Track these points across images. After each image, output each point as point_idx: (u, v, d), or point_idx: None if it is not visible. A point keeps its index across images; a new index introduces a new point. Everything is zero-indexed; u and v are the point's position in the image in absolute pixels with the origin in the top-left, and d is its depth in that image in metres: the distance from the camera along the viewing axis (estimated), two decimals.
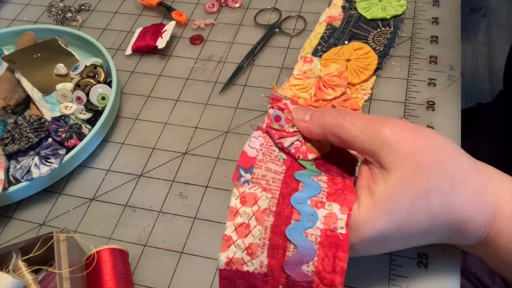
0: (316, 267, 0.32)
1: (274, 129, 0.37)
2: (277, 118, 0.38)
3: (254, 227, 0.33)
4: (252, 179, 0.35)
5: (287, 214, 0.33)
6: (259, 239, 0.33)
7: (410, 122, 0.35)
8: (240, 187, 0.34)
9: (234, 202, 0.34)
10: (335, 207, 0.33)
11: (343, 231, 0.32)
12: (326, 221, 0.32)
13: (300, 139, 0.38)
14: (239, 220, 0.33)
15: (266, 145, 0.37)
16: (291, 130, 0.38)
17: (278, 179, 0.35)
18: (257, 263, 0.33)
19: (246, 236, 0.33)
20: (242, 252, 0.33)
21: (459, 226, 0.33)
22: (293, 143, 0.37)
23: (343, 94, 0.51)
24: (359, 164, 0.39)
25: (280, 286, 0.33)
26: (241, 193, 0.34)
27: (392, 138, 0.33)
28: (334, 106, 0.50)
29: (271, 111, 0.38)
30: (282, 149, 0.37)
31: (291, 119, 0.38)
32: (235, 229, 0.33)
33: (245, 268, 0.33)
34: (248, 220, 0.33)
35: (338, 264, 0.32)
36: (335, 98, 0.51)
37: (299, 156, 0.37)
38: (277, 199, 0.34)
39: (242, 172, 0.35)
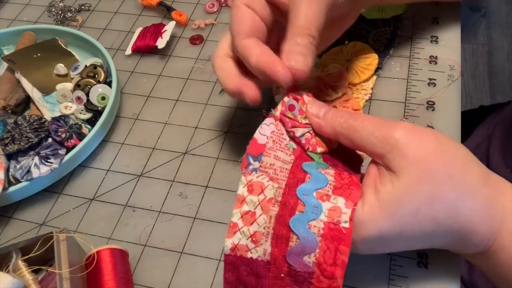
0: (318, 258, 0.32)
1: (288, 117, 0.37)
2: (291, 107, 0.38)
3: (260, 215, 0.33)
4: (260, 167, 0.35)
5: (292, 205, 0.33)
6: (264, 228, 0.33)
7: (422, 127, 0.34)
8: (248, 175, 0.34)
9: (242, 190, 0.34)
10: (340, 201, 0.33)
11: (347, 225, 0.32)
12: (330, 214, 0.32)
13: (311, 131, 0.38)
14: (245, 208, 0.34)
15: (277, 132, 0.37)
16: (304, 121, 0.38)
17: (286, 169, 0.35)
18: (261, 251, 0.33)
19: (251, 224, 0.33)
20: (247, 239, 0.33)
21: (462, 236, 0.33)
22: (304, 134, 0.37)
23: (344, 94, 0.51)
24: (363, 164, 0.39)
25: (282, 275, 0.34)
26: (249, 181, 0.34)
27: (401, 141, 0.33)
28: (335, 107, 0.50)
29: (286, 99, 0.38)
30: (293, 138, 0.37)
31: (305, 111, 0.38)
32: (241, 217, 0.33)
33: (249, 255, 0.33)
34: (254, 209, 0.33)
35: (339, 257, 0.32)
36: (336, 98, 0.51)
37: (308, 148, 0.37)
38: (283, 189, 0.34)
39: (251, 160, 0.35)
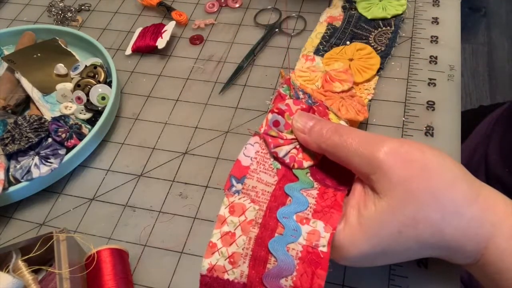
0: (294, 282, 0.32)
1: (271, 136, 0.37)
2: (276, 123, 0.38)
3: (239, 236, 0.33)
4: (242, 189, 0.35)
5: (272, 227, 0.33)
6: (242, 249, 0.33)
7: (410, 143, 0.33)
8: (230, 196, 0.35)
9: (223, 211, 0.34)
10: (320, 225, 0.33)
11: (325, 249, 0.32)
12: (309, 238, 0.33)
13: (297, 146, 0.37)
14: (225, 228, 0.34)
15: (261, 152, 0.37)
16: (289, 137, 0.37)
17: (268, 192, 0.35)
18: (238, 273, 0.33)
19: (230, 244, 0.33)
20: (225, 260, 0.33)
21: (449, 252, 0.33)
22: (289, 151, 0.37)
23: (350, 89, 0.51)
24: None
25: None
26: (231, 202, 0.34)
27: (385, 163, 0.32)
28: (343, 98, 0.50)
29: (270, 116, 0.38)
30: (276, 158, 0.37)
31: (291, 124, 0.38)
32: (221, 237, 0.33)
33: (225, 276, 0.33)
34: (234, 230, 0.34)
35: (316, 282, 0.32)
36: (342, 91, 0.51)
37: (293, 165, 0.37)
38: (264, 212, 0.34)
39: (234, 182, 0.35)
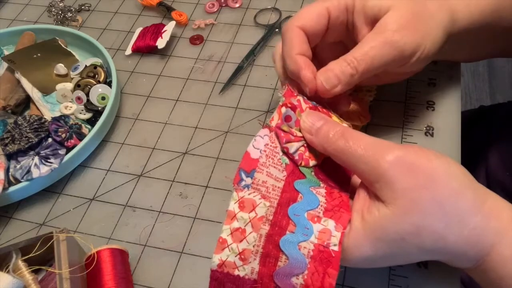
0: (305, 280, 0.32)
1: (283, 130, 0.37)
2: (288, 118, 0.37)
3: (250, 233, 0.33)
4: (252, 184, 0.34)
5: (283, 225, 0.33)
6: (253, 246, 0.33)
7: (417, 150, 0.33)
8: (240, 191, 0.34)
9: (233, 206, 0.34)
10: (331, 224, 0.33)
11: (336, 248, 0.32)
12: (321, 236, 0.32)
13: (305, 144, 0.37)
14: (235, 224, 0.33)
15: (271, 145, 0.36)
16: (299, 134, 0.37)
17: (278, 187, 0.35)
18: (249, 269, 0.33)
19: (241, 241, 0.33)
20: (235, 256, 0.33)
21: (449, 257, 0.33)
22: (298, 148, 0.37)
23: (352, 92, 0.51)
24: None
25: None
26: (240, 198, 0.34)
27: (390, 173, 0.32)
28: None
29: (283, 109, 0.37)
30: (286, 153, 0.37)
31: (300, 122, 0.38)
32: (231, 233, 0.33)
33: (236, 272, 0.33)
34: (244, 226, 0.33)
35: (327, 281, 0.32)
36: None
37: (301, 163, 0.37)
38: (275, 208, 0.34)
39: (243, 176, 0.35)
